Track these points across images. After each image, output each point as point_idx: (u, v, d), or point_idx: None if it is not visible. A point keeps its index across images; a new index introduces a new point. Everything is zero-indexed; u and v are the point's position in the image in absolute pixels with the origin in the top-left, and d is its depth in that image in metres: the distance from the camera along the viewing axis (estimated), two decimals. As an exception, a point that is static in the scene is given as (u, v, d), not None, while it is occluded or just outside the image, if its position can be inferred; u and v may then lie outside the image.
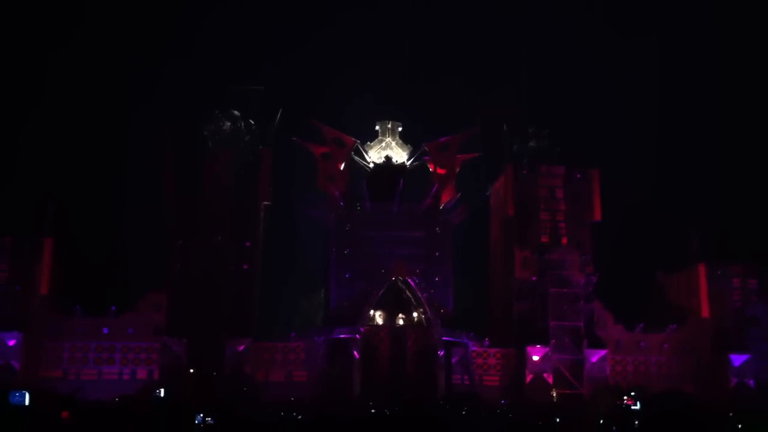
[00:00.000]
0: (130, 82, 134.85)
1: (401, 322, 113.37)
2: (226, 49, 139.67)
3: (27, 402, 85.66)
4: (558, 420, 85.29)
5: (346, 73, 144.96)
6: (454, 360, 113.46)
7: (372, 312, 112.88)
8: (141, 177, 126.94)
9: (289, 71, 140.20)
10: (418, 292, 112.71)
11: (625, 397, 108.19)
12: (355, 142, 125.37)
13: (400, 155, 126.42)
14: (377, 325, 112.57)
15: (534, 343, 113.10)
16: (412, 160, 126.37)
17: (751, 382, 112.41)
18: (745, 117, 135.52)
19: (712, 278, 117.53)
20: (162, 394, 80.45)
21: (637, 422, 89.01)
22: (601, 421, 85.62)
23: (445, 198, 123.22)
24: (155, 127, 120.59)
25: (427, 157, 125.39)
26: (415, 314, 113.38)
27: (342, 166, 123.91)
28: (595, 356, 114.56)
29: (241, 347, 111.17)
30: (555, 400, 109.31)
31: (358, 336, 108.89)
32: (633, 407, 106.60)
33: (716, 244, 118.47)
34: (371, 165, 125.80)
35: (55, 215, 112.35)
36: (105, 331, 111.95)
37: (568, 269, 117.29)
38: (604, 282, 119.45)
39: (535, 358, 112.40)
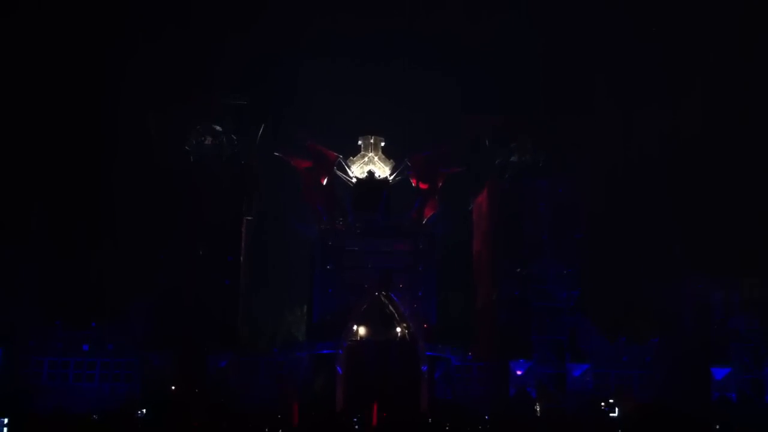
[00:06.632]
0: (114, 90, 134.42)
1: (385, 336, 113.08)
2: (209, 63, 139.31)
3: (5, 430, 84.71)
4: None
5: (330, 87, 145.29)
6: (437, 374, 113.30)
7: (355, 326, 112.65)
8: (123, 190, 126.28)
9: (272, 85, 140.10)
10: (402, 307, 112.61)
11: (603, 403, 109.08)
12: (338, 156, 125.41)
13: (382, 170, 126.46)
14: (360, 340, 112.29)
15: (517, 357, 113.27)
16: (395, 174, 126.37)
17: (733, 395, 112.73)
18: (731, 129, 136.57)
19: (693, 291, 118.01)
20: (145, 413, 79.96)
21: None
22: None
23: (429, 212, 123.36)
24: (138, 138, 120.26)
25: (410, 172, 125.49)
26: (398, 329, 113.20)
27: (325, 181, 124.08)
28: (577, 370, 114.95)
29: (224, 362, 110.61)
30: (539, 414, 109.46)
31: (341, 351, 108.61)
32: (611, 414, 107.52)
33: (698, 257, 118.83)
34: (354, 180, 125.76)
35: (36, 228, 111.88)
36: (85, 348, 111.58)
37: (550, 283, 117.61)
38: (586, 295, 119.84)
39: (519, 372, 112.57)
